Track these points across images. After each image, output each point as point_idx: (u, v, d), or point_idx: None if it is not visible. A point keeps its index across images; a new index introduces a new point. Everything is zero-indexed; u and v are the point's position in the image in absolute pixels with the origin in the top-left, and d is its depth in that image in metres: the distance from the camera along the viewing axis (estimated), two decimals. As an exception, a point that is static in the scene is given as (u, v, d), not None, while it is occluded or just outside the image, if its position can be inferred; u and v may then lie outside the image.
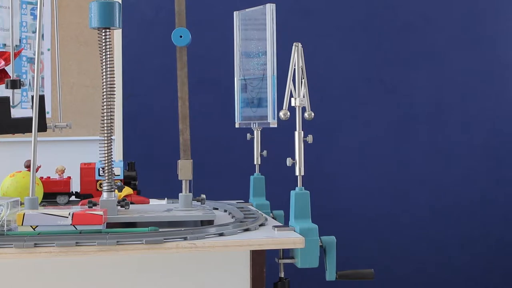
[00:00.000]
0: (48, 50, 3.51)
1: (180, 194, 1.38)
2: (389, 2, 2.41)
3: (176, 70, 1.37)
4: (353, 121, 2.38)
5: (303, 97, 1.31)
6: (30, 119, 1.28)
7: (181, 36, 1.35)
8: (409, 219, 2.40)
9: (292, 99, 1.31)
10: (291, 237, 1.21)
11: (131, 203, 1.47)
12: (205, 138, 2.18)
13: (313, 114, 1.34)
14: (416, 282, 2.40)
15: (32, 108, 1.28)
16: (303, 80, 1.31)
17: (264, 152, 1.64)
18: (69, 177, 1.68)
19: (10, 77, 1.63)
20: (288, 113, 1.30)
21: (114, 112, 1.32)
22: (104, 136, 1.31)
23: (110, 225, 1.26)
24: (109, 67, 1.31)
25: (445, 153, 2.42)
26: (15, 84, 1.57)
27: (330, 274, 1.29)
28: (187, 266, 1.24)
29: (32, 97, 1.28)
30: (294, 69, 1.31)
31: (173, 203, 1.59)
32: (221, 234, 1.20)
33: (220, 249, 1.16)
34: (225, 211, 1.52)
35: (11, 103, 1.58)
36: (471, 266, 2.42)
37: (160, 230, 1.18)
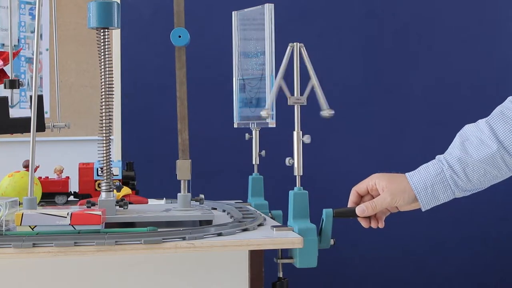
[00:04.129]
0: (47, 50, 3.51)
1: (178, 194, 1.38)
2: (388, 2, 2.41)
3: (174, 70, 1.37)
4: (352, 121, 2.38)
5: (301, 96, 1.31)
6: (29, 119, 1.28)
7: (179, 36, 1.35)
8: (408, 219, 2.39)
9: (288, 98, 1.30)
10: (289, 237, 1.21)
11: (130, 203, 1.47)
12: (203, 138, 2.18)
13: (333, 111, 1.30)
14: (416, 282, 2.40)
15: (31, 108, 1.28)
16: (314, 79, 1.31)
17: (263, 152, 1.64)
18: (68, 177, 1.68)
19: (8, 77, 1.63)
20: (271, 112, 1.30)
21: (112, 112, 1.32)
22: (103, 136, 1.31)
23: (108, 225, 1.26)
24: (108, 67, 1.31)
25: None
26: (13, 84, 1.57)
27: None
28: (186, 266, 1.24)
29: (31, 97, 1.28)
30: (293, 69, 1.31)
31: (171, 203, 1.59)
32: (219, 234, 1.20)
33: (219, 249, 1.16)
34: (224, 211, 1.51)
35: (9, 103, 1.58)
36: (471, 266, 2.42)
37: (159, 230, 1.18)
